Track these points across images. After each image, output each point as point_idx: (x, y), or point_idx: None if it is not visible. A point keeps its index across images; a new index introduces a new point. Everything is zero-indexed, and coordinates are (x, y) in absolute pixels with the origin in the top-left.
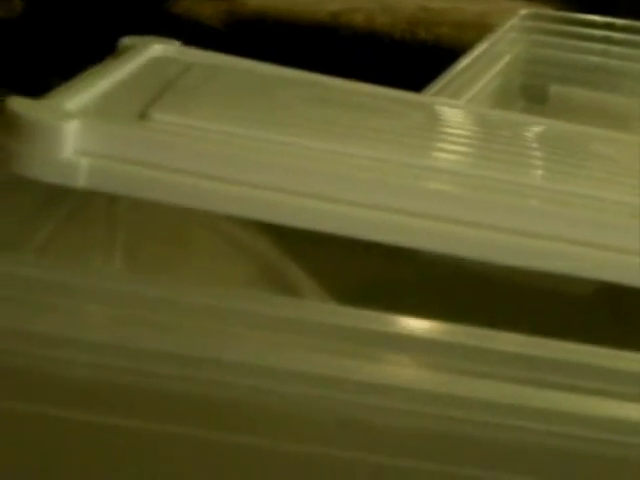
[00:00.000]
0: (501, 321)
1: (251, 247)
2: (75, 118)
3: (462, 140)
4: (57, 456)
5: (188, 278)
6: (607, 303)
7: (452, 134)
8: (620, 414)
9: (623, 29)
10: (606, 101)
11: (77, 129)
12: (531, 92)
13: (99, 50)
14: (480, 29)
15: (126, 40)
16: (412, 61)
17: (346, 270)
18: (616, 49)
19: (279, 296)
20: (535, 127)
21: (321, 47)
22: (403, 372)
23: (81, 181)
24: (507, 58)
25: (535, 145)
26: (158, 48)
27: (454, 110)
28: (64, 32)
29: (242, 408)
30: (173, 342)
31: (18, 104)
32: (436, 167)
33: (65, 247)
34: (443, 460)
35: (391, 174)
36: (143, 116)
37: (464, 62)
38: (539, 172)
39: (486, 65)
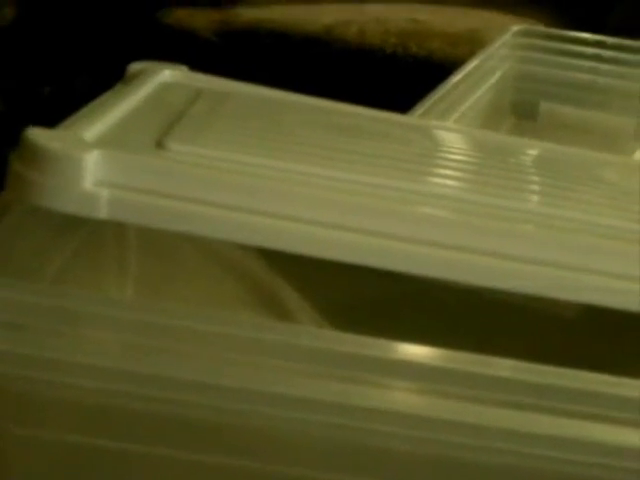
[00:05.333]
0: (490, 339)
1: (240, 265)
2: (94, 149)
3: (460, 165)
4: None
5: (178, 298)
6: (595, 324)
7: (451, 159)
8: (616, 439)
9: (613, 47)
10: (596, 119)
11: (97, 160)
12: (522, 109)
13: (91, 59)
14: (472, 44)
15: (135, 65)
16: (404, 75)
17: (335, 288)
18: (606, 67)
19: (280, 323)
20: (535, 151)
21: (313, 60)
22: (401, 398)
23: (102, 212)
24: (498, 74)
25: (534, 170)
26: (167, 74)
27: (454, 134)
28: (56, 41)
29: (243, 433)
30: (179, 368)
31: (37, 135)
32: (432, 193)
33: (79, 274)
34: None
35: (387, 200)
36: (160, 145)
37: (456, 78)
38: (536, 197)
39: (477, 81)
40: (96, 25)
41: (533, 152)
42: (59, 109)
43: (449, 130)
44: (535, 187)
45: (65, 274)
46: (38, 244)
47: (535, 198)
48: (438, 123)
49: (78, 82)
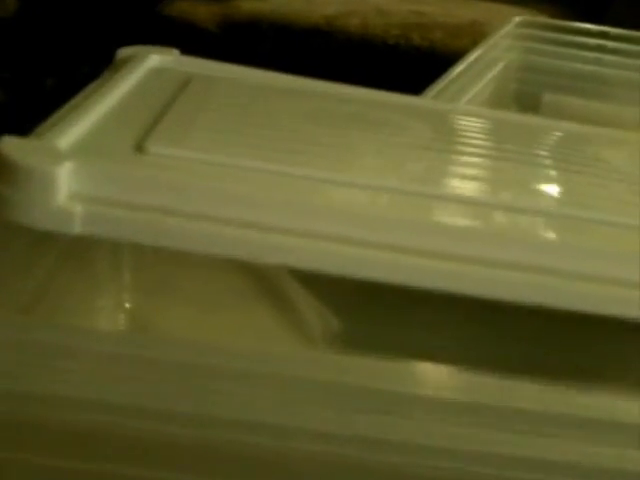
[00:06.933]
0: (492, 331)
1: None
2: (68, 160)
3: (471, 160)
4: None
5: (180, 295)
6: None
7: (459, 151)
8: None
9: (617, 38)
10: (599, 109)
11: (70, 172)
12: (524, 99)
13: (93, 50)
14: (474, 35)
15: (123, 51)
16: (406, 67)
17: (339, 278)
18: (609, 58)
19: (305, 353)
20: (552, 133)
21: (315, 52)
22: (423, 427)
23: (76, 228)
24: (501, 65)
25: (549, 161)
26: (156, 59)
27: (463, 118)
28: (58, 31)
29: (265, 464)
30: (172, 400)
31: (9, 146)
32: (442, 195)
33: (64, 291)
34: None
35: (394, 208)
36: (140, 150)
37: (458, 68)
38: (554, 196)
39: (480, 72)
40: (99, 16)
41: (553, 134)
42: (62, 100)
43: (461, 113)
44: (554, 184)
45: (46, 292)
46: (18, 257)
47: (554, 196)
48: (444, 104)
49: (80, 73)
